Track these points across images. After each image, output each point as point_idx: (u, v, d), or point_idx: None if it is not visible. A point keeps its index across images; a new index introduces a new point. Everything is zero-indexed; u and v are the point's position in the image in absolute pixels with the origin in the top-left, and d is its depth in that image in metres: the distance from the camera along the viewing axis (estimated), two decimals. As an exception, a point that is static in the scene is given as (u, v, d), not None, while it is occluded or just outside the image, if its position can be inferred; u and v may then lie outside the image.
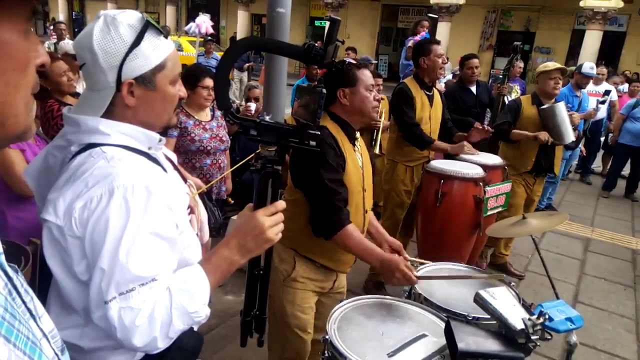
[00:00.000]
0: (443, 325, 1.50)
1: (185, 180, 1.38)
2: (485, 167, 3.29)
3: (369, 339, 1.51)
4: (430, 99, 3.41)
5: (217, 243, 1.17)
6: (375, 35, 20.53)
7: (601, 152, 7.74)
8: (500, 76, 7.47)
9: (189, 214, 1.25)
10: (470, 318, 1.65)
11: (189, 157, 3.07)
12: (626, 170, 6.87)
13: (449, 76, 6.98)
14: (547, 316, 1.40)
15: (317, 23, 21.96)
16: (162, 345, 1.00)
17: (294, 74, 11.04)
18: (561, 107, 3.74)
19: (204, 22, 8.36)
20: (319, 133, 1.21)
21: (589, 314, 3.58)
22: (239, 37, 19.91)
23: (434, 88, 3.46)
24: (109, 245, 0.96)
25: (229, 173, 3.34)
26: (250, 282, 1.31)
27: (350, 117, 1.94)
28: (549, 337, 1.45)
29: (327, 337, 1.51)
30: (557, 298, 1.64)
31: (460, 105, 4.57)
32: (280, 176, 1.20)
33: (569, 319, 1.51)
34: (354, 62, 1.96)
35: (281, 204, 1.17)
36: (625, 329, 3.47)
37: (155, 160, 1.13)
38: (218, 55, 10.37)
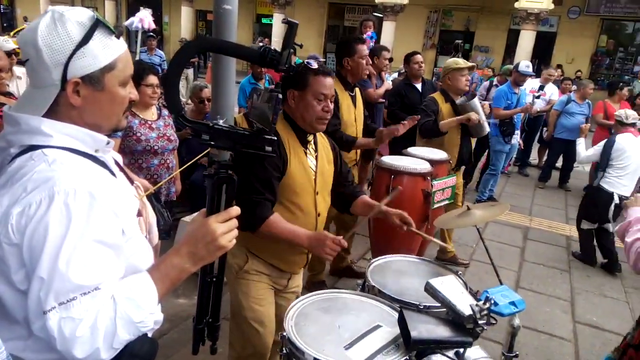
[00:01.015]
0: (396, 315, 1.55)
1: (131, 181, 1.34)
2: (431, 162, 3.42)
3: (326, 333, 1.53)
4: (354, 99, 3.33)
5: (167, 245, 1.14)
6: (322, 34, 20.67)
7: (537, 145, 8.23)
8: (444, 74, 7.77)
9: (137, 216, 1.21)
10: (422, 307, 1.72)
11: (135, 158, 2.97)
12: (559, 163, 7.35)
13: (395, 74, 7.16)
14: (492, 301, 1.48)
15: (264, 20, 21.80)
16: (106, 356, 0.97)
17: (242, 72, 10.90)
18: (477, 102, 4.03)
19: (145, 18, 8.05)
20: (275, 138, 1.21)
21: (530, 298, 3.81)
22: (183, 33, 19.37)
23: (355, 88, 3.38)
24: (48, 253, 0.92)
25: (177, 173, 3.26)
26: (203, 289, 1.29)
27: (297, 120, 1.91)
28: (494, 322, 1.53)
29: (284, 334, 1.52)
30: (501, 284, 1.73)
31: (406, 102, 4.72)
32: (234, 182, 1.18)
33: (513, 303, 1.60)
34: (315, 66, 1.86)
35: (235, 210, 1.15)
36: (562, 310, 3.73)
37: (102, 164, 1.09)
38: (161, 52, 10.05)
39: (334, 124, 3.08)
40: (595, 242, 4.62)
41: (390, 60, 5.72)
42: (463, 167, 4.33)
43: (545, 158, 7.66)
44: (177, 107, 1.17)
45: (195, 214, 1.21)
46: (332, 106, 1.91)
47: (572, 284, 4.20)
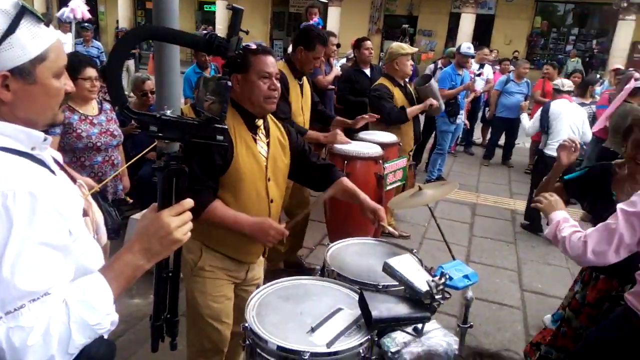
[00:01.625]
0: (357, 297, 1.57)
1: (74, 180, 1.27)
2: (382, 145, 3.48)
3: (288, 320, 1.54)
4: (301, 88, 3.30)
5: (117, 245, 1.10)
6: (267, 21, 20.38)
7: (479, 125, 8.57)
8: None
9: (83, 216, 1.16)
10: (381, 287, 1.75)
11: (77, 156, 2.82)
12: (502, 140, 7.69)
13: (343, 60, 7.18)
14: (447, 276, 1.54)
15: (206, 8, 21.16)
16: None
17: (187, 62, 10.56)
18: (434, 84, 4.30)
19: (78, 7, 7.60)
20: (227, 127, 1.18)
21: (480, 270, 3.99)
22: (121, 23, 18.49)
23: (303, 77, 3.35)
24: None
25: (124, 170, 3.13)
26: (159, 285, 1.25)
27: (244, 104, 1.87)
28: (449, 296, 1.60)
29: (246, 324, 1.51)
30: (454, 259, 1.81)
31: (356, 88, 4.76)
32: (186, 173, 1.15)
33: (466, 277, 1.68)
34: (253, 46, 1.86)
35: (188, 202, 1.12)
36: (510, 280, 3.94)
37: (41, 162, 1.03)
38: (98, 43, 9.54)
39: (284, 111, 3.06)
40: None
41: (338, 46, 5.73)
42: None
43: (488, 137, 8.00)
44: (121, 100, 1.11)
45: (146, 210, 1.17)
46: (278, 85, 1.88)
47: (518, 254, 4.44)
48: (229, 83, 1.18)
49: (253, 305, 1.61)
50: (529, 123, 5.31)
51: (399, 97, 4.12)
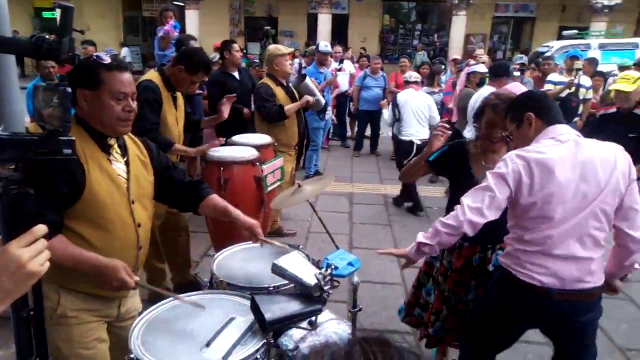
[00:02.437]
0: (249, 303, 1.56)
1: None
2: (257, 147, 3.49)
3: (179, 341, 1.47)
4: (175, 100, 3.13)
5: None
6: (119, 26, 18.96)
7: (348, 119, 9.06)
8: (257, 60, 7.92)
9: None
10: (271, 288, 1.76)
11: None
12: (368, 132, 8.22)
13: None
14: (333, 266, 1.60)
15: (45, 14, 18.92)
16: None
17: (32, 76, 9.33)
18: (309, 81, 4.48)
19: None
20: (73, 138, 1.06)
21: (363, 255, 4.17)
22: None
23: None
24: None
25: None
26: (20, 327, 1.09)
27: (94, 124, 1.64)
28: (337, 284, 1.67)
29: (132, 356, 1.40)
30: (338, 249, 1.88)
31: (227, 92, 4.67)
32: (31, 196, 1.00)
33: (350, 263, 1.76)
34: (107, 60, 1.62)
35: (40, 229, 0.97)
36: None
37: None
38: None
39: (152, 122, 2.90)
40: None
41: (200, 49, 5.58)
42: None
43: (355, 129, 8.51)
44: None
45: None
46: (135, 105, 1.69)
47: (393, 235, 4.80)
48: (68, 89, 1.06)
49: (137, 333, 1.50)
50: (386, 114, 5.86)
51: (281, 95, 4.24)
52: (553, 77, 6.50)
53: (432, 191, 6.22)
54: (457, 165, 2.43)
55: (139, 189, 1.78)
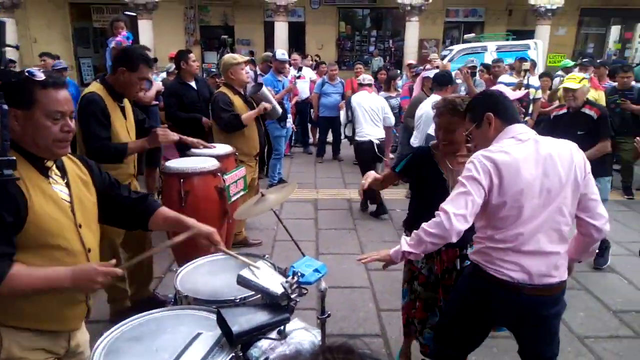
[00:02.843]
0: (215, 317, 1.53)
1: None
2: (218, 157, 3.44)
3: (144, 361, 1.41)
4: (123, 111, 2.99)
5: None
6: (68, 37, 18.28)
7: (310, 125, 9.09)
8: (214, 70, 7.83)
9: None
10: (238, 300, 1.73)
11: None
12: (330, 138, 8.28)
13: (163, 74, 6.87)
14: (299, 274, 1.60)
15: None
16: None
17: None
18: (265, 90, 4.51)
19: None
20: (14, 158, 1.00)
21: (330, 260, 4.24)
22: None
23: (124, 99, 3.04)
24: None
25: None
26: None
27: (28, 147, 1.50)
28: (306, 291, 1.66)
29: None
30: (304, 256, 1.88)
31: (184, 102, 4.60)
32: None
33: (316, 270, 1.75)
34: (40, 76, 1.48)
35: None
36: (356, 263, 4.24)
37: None
38: None
39: (102, 137, 2.79)
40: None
41: (155, 60, 5.46)
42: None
43: (317, 136, 8.55)
44: None
45: None
46: (73, 125, 1.57)
47: (359, 239, 4.84)
48: (5, 106, 1.00)
49: (98, 356, 1.43)
50: (342, 116, 5.95)
51: (239, 104, 4.20)
52: (504, 78, 6.77)
53: (394, 194, 6.31)
54: (426, 169, 2.49)
55: (84, 212, 1.66)
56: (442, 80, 5.06)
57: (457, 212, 1.79)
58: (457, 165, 2.35)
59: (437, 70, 5.84)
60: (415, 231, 1.92)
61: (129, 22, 5.93)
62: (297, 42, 17.24)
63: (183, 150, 3.74)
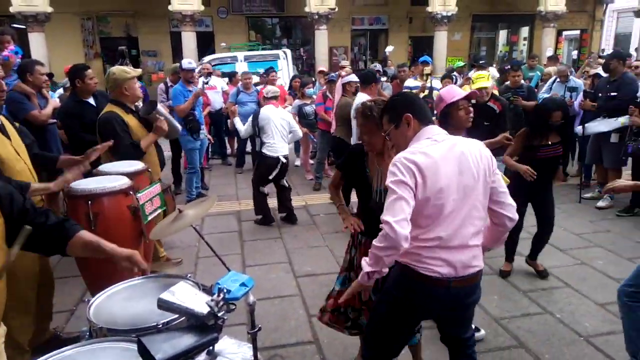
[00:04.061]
0: (136, 347, 1.42)
1: None
2: (129, 175, 3.23)
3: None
4: (3, 130, 2.69)
5: None
6: (-56, 53, 16.29)
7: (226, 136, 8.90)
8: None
9: None
10: (161, 326, 1.63)
11: None
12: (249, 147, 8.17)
13: (60, 90, 6.35)
14: (225, 290, 1.53)
15: None
16: None
17: None
18: (161, 108, 4.11)
19: None
20: None
21: (257, 272, 4.17)
22: None
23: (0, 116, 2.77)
24: None
25: None
26: None
27: None
28: (234, 307, 1.60)
29: None
30: (229, 271, 1.81)
31: (85, 122, 4.23)
32: None
33: (243, 284, 1.70)
34: None
35: None
36: (284, 271, 4.24)
37: None
38: None
39: None
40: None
41: (50, 75, 5.04)
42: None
43: (235, 146, 8.40)
44: None
45: None
46: None
47: (286, 247, 4.81)
48: None
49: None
50: (241, 127, 5.75)
51: (134, 124, 3.78)
52: (409, 82, 7.16)
53: (317, 198, 6.38)
54: (356, 166, 2.61)
55: None
56: (367, 79, 5.26)
57: (396, 218, 1.81)
58: (383, 165, 2.44)
59: (352, 76, 5.98)
60: (369, 250, 1.94)
61: (16, 36, 5.40)
62: (204, 51, 16.89)
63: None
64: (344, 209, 2.78)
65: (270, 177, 5.35)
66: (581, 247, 4.62)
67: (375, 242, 1.89)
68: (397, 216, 1.81)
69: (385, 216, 1.84)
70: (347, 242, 2.76)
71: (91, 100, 4.26)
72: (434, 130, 2.03)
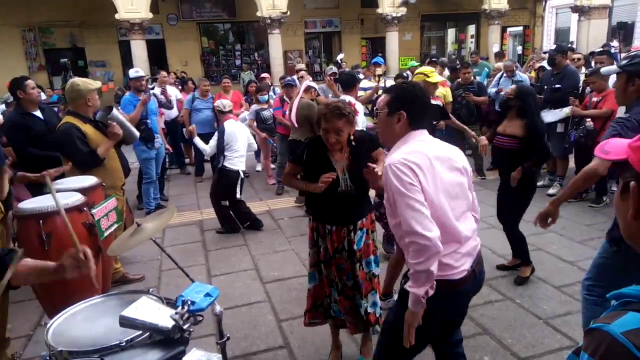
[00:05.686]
0: (99, 367, 1.37)
1: None
2: (82, 191, 3.11)
3: None
4: None
5: None
6: None
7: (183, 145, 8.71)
8: (64, 95, 7.09)
9: None
10: (124, 344, 1.58)
11: None
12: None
13: (2, 106, 6.03)
14: (189, 302, 1.51)
15: None
16: None
17: None
18: (116, 112, 4.06)
19: None
20: None
21: (223, 281, 4.11)
22: None
23: None
24: None
25: None
26: None
27: None
28: (201, 318, 1.57)
29: None
30: (193, 282, 1.78)
31: (32, 135, 4.07)
32: None
33: (207, 294, 1.68)
34: None
35: None
36: (250, 279, 4.20)
37: None
38: None
39: None
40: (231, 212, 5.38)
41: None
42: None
43: (193, 154, 8.23)
44: None
45: None
46: None
47: (251, 253, 4.76)
48: None
49: None
50: (204, 146, 5.57)
51: (91, 133, 3.75)
52: (363, 83, 7.26)
53: (280, 203, 6.36)
54: (317, 157, 2.66)
55: None
56: (348, 82, 5.28)
57: (421, 226, 1.76)
58: (340, 158, 2.64)
59: (314, 82, 5.99)
60: (409, 274, 1.84)
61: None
62: (159, 60, 16.47)
63: (36, 188, 3.31)
64: (309, 184, 2.68)
65: (238, 195, 5.26)
66: (535, 233, 4.83)
67: (411, 260, 1.79)
68: (421, 223, 1.76)
69: (407, 227, 1.78)
70: (310, 237, 2.77)
71: (38, 113, 4.11)
72: (424, 135, 2.03)
